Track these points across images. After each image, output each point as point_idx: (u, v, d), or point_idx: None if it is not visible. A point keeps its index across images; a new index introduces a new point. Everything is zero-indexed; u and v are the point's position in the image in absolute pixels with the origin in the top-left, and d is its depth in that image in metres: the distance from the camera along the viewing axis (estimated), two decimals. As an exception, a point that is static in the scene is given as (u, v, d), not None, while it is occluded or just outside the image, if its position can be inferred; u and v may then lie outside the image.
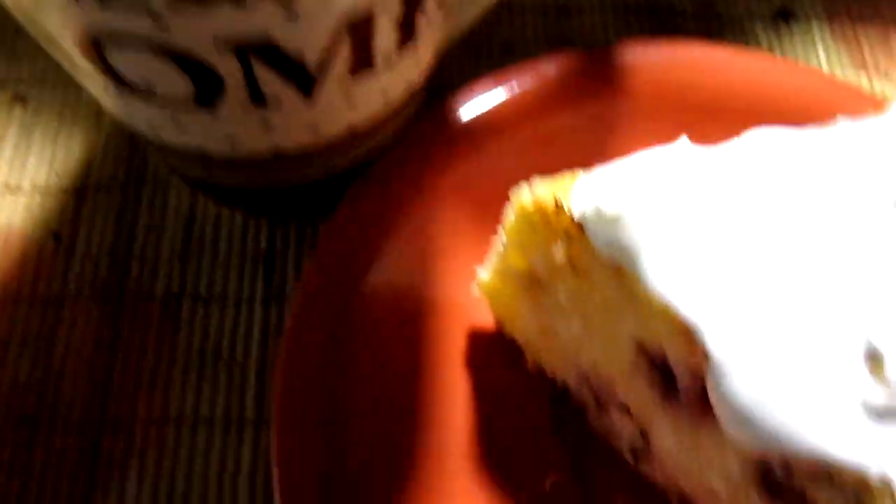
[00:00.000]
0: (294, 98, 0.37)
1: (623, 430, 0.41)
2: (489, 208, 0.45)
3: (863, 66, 0.61)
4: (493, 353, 0.47)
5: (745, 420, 0.31)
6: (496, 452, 0.44)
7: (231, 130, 0.39)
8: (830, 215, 0.34)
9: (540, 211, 0.35)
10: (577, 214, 0.34)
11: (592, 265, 0.35)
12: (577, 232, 0.34)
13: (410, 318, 0.47)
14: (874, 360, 0.31)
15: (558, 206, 0.35)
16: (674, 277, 0.33)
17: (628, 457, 0.42)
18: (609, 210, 0.33)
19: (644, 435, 0.40)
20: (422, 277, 0.48)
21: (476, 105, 0.51)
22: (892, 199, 0.34)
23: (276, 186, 0.45)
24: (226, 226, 0.54)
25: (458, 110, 0.50)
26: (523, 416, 0.45)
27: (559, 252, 0.35)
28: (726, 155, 0.36)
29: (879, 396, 0.30)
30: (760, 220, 0.34)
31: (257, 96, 0.36)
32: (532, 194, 0.36)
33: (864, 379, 0.31)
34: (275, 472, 0.40)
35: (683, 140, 0.36)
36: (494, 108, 0.51)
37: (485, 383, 0.46)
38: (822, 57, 0.61)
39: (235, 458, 0.47)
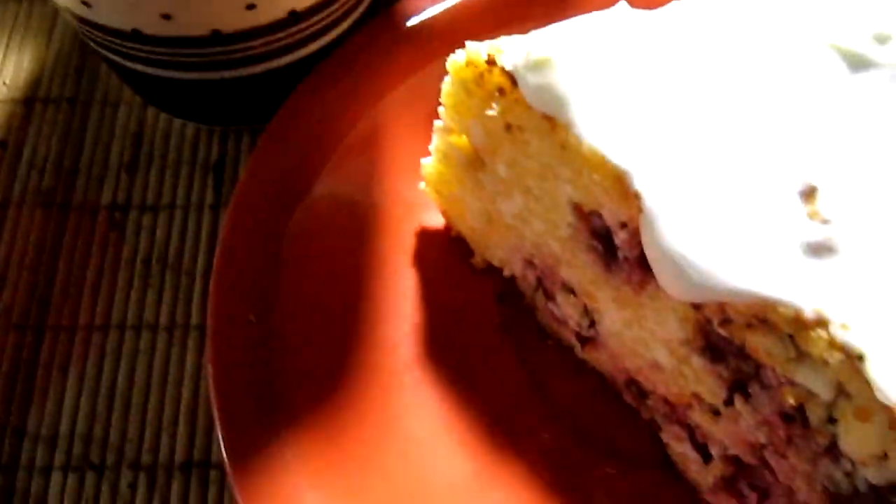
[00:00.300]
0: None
1: (569, 315, 0.40)
2: (437, 110, 0.45)
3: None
4: (441, 253, 0.46)
5: (679, 266, 0.30)
6: (444, 350, 0.43)
7: (165, 2, 0.38)
8: (764, 63, 0.33)
9: (473, 67, 0.34)
10: (508, 66, 0.33)
11: (526, 121, 0.34)
12: (509, 84, 0.33)
13: (357, 219, 0.46)
14: (808, 195, 0.30)
15: (490, 61, 0.34)
16: (605, 126, 0.32)
17: (575, 342, 0.41)
18: (538, 55, 0.32)
19: (589, 315, 0.39)
20: (370, 179, 0.47)
21: (429, 8, 0.50)
22: (824, 43, 0.33)
23: (218, 78, 0.44)
24: (176, 138, 0.53)
25: (411, 13, 0.49)
26: (471, 315, 0.44)
27: (494, 110, 0.34)
28: (665, 14, 0.35)
29: (813, 233, 0.29)
30: (694, 71, 0.33)
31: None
32: (465, 53, 0.35)
33: (800, 217, 0.30)
34: (209, 371, 0.39)
35: (622, 3, 0.36)
36: (447, 11, 0.50)
37: (432, 282, 0.45)
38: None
39: (179, 362, 0.46)
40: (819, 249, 0.29)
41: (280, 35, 0.42)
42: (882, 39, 0.33)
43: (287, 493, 0.36)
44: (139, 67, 0.45)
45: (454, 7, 0.50)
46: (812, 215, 0.30)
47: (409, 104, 0.48)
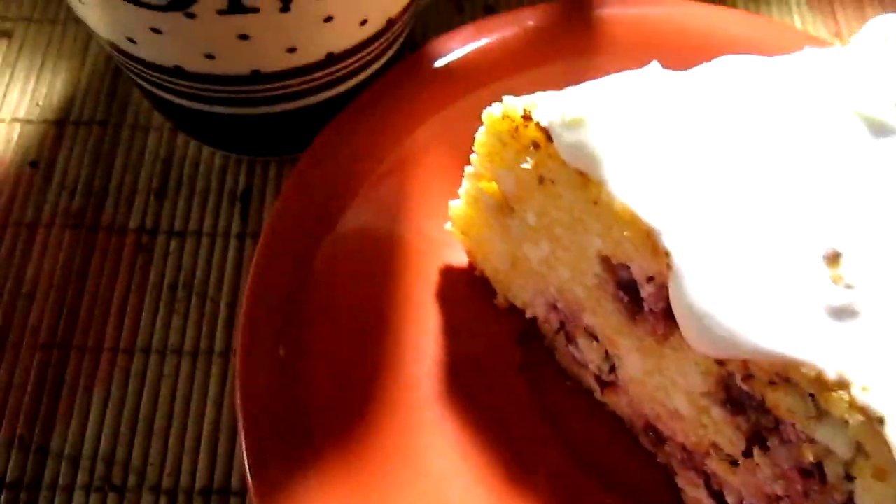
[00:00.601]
0: (270, 7, 0.37)
1: (590, 359, 0.41)
2: (465, 150, 0.46)
3: (837, 34, 0.62)
4: (465, 291, 0.47)
5: (705, 323, 0.31)
6: (464, 388, 0.44)
7: (209, 43, 0.39)
8: (792, 130, 0.34)
9: (509, 121, 0.35)
10: (544, 122, 0.34)
11: (559, 174, 0.35)
12: (543, 139, 0.34)
13: (382, 255, 0.47)
14: (832, 260, 0.31)
15: (526, 116, 0.35)
16: (637, 183, 0.33)
17: (595, 386, 0.42)
18: (574, 114, 0.33)
19: (610, 360, 0.40)
20: (396, 215, 0.48)
21: (457, 50, 0.51)
22: (848, 110, 0.34)
23: (255, 113, 0.46)
24: (205, 165, 0.54)
25: (439, 54, 0.51)
26: (491, 354, 0.45)
27: (528, 163, 0.35)
28: (695, 77, 0.37)
29: (837, 297, 0.31)
30: (725, 135, 0.34)
31: (234, 2, 0.36)
32: (502, 107, 0.36)
33: (823, 280, 0.31)
34: (237, 399, 0.40)
35: (654, 64, 0.37)
36: (474, 53, 0.51)
37: (455, 320, 0.46)
38: (798, 24, 0.62)
39: (202, 388, 0.47)
40: (841, 313, 0.30)
41: (317, 75, 0.44)
42: (904, 108, 0.35)
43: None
44: (176, 100, 0.46)
45: (481, 48, 0.52)
46: (835, 279, 0.31)
47: (436, 142, 0.50)
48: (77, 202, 0.52)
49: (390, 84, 0.49)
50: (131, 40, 0.41)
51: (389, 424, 0.42)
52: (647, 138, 0.34)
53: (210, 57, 0.40)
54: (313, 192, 0.46)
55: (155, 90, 0.46)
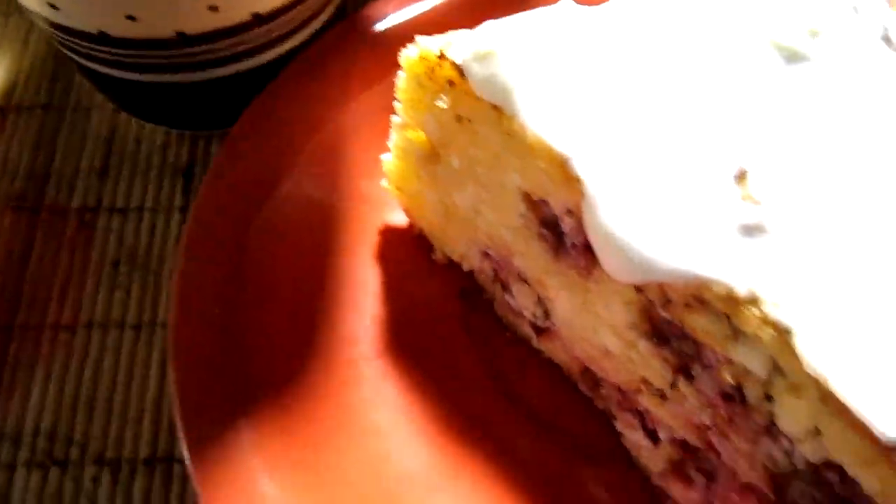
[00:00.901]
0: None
1: (524, 305, 0.41)
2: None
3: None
4: (405, 249, 0.47)
5: (619, 248, 0.31)
6: (404, 344, 0.44)
7: (128, 3, 0.39)
8: (702, 56, 0.34)
9: (425, 62, 0.35)
10: (458, 59, 0.34)
11: (475, 111, 0.35)
12: (458, 76, 0.34)
13: (322, 218, 0.47)
14: (741, 179, 0.31)
15: (441, 55, 0.35)
16: (549, 113, 0.33)
17: (531, 333, 0.42)
18: (484, 48, 0.33)
19: (543, 305, 0.40)
20: (336, 178, 0.48)
21: (394, 14, 0.51)
22: (763, 39, 0.34)
23: (188, 81, 0.45)
24: (147, 143, 0.54)
25: (376, 18, 0.51)
26: (432, 309, 0.45)
27: (444, 101, 0.35)
28: (608, 9, 0.37)
29: (746, 214, 0.30)
30: (638, 63, 0.34)
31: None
32: (418, 48, 0.36)
33: (733, 199, 0.31)
34: (170, 360, 0.40)
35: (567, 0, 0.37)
36: (412, 16, 0.51)
37: (395, 278, 0.46)
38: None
39: (146, 360, 0.47)
40: (751, 230, 0.30)
41: (244, 38, 0.44)
42: (814, 34, 0.35)
43: (244, 481, 0.37)
44: (108, 71, 0.46)
45: (419, 12, 0.52)
46: (745, 198, 0.31)
47: (374, 107, 0.49)
48: (18, 184, 0.52)
49: (326, 49, 0.49)
50: (53, 6, 0.41)
51: (328, 381, 0.42)
52: (558, 69, 0.34)
53: (131, 18, 0.40)
54: (250, 157, 0.46)
55: (87, 63, 0.46)
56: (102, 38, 0.42)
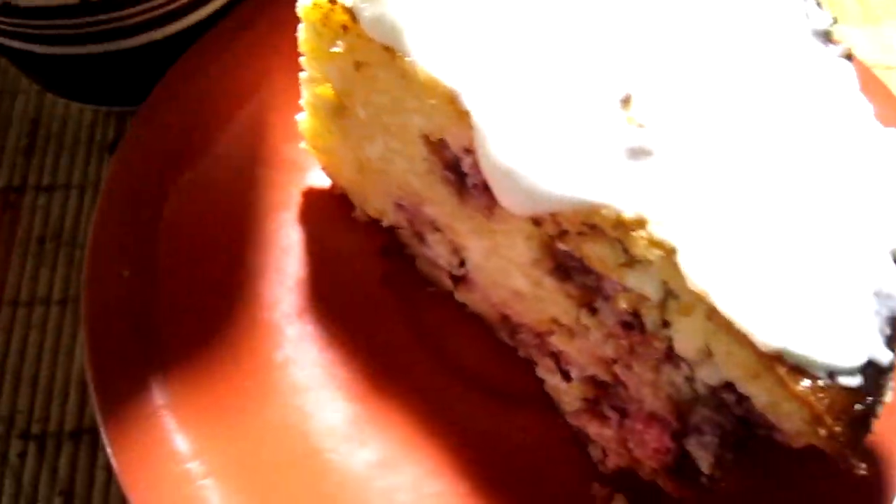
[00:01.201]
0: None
1: (440, 255, 0.41)
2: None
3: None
4: (327, 210, 0.46)
5: (509, 179, 0.31)
6: (327, 303, 0.43)
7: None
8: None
9: (318, 8, 0.35)
10: (349, 2, 0.34)
11: (370, 54, 0.35)
12: (350, 20, 0.34)
13: (242, 183, 0.46)
14: (625, 103, 0.31)
15: (333, 1, 0.35)
16: (438, 50, 0.33)
17: (449, 284, 0.42)
18: (371, -12, 0.33)
19: (458, 255, 0.40)
20: (259, 142, 0.48)
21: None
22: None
23: (101, 52, 0.45)
24: (73, 122, 0.54)
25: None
26: (354, 268, 0.45)
27: (339, 47, 0.35)
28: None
29: (631, 138, 0.30)
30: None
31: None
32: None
33: (619, 124, 0.31)
34: (83, 322, 0.39)
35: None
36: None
37: (317, 239, 0.45)
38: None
39: (72, 334, 0.46)
40: (636, 153, 0.30)
41: (149, 5, 0.43)
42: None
43: (156, 440, 0.36)
44: (20, 45, 0.45)
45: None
46: (630, 121, 0.31)
47: (297, 72, 0.49)
48: (-61, 167, 0.52)
49: (244, 18, 0.49)
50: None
51: (248, 342, 0.42)
52: (447, 5, 0.33)
53: (34, -15, 0.40)
54: (164, 127, 0.46)
55: (4, 40, 0.46)
56: (7, 8, 0.42)
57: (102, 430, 0.37)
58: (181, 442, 0.37)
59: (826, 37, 0.36)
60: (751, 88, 0.32)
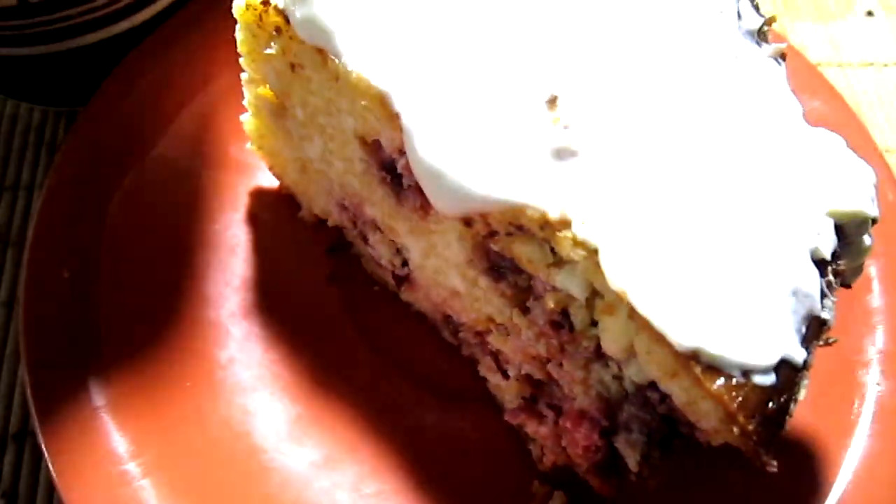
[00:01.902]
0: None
1: (382, 254, 0.41)
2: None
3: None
4: (273, 210, 0.46)
5: (436, 179, 0.31)
6: (272, 303, 0.44)
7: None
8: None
9: (252, 10, 0.35)
10: (281, 4, 0.34)
11: (303, 56, 0.35)
12: (283, 22, 0.34)
13: (190, 183, 0.46)
14: (551, 104, 0.31)
15: (265, 2, 0.35)
16: (368, 51, 0.33)
17: (392, 283, 0.42)
18: (302, -10, 0.33)
19: (401, 255, 0.40)
20: (201, 145, 0.47)
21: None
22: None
23: (46, 52, 0.45)
24: (23, 123, 0.53)
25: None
26: (301, 268, 0.45)
27: (272, 48, 0.35)
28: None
29: (556, 138, 0.31)
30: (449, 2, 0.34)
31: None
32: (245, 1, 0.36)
33: (545, 125, 0.31)
34: (21, 324, 0.39)
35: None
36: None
37: (264, 239, 0.45)
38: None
39: (17, 336, 0.45)
40: (562, 154, 0.31)
41: (96, 3, 0.43)
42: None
43: (93, 440, 0.36)
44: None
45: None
46: (555, 122, 0.31)
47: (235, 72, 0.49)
48: None
49: (190, 18, 0.49)
50: None
51: (192, 341, 0.42)
52: (377, 8, 0.33)
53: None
54: (106, 128, 0.45)
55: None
56: (-54, 8, 0.41)
57: (38, 430, 0.36)
58: (119, 443, 0.37)
59: (759, 36, 0.36)
60: (676, 89, 0.32)
